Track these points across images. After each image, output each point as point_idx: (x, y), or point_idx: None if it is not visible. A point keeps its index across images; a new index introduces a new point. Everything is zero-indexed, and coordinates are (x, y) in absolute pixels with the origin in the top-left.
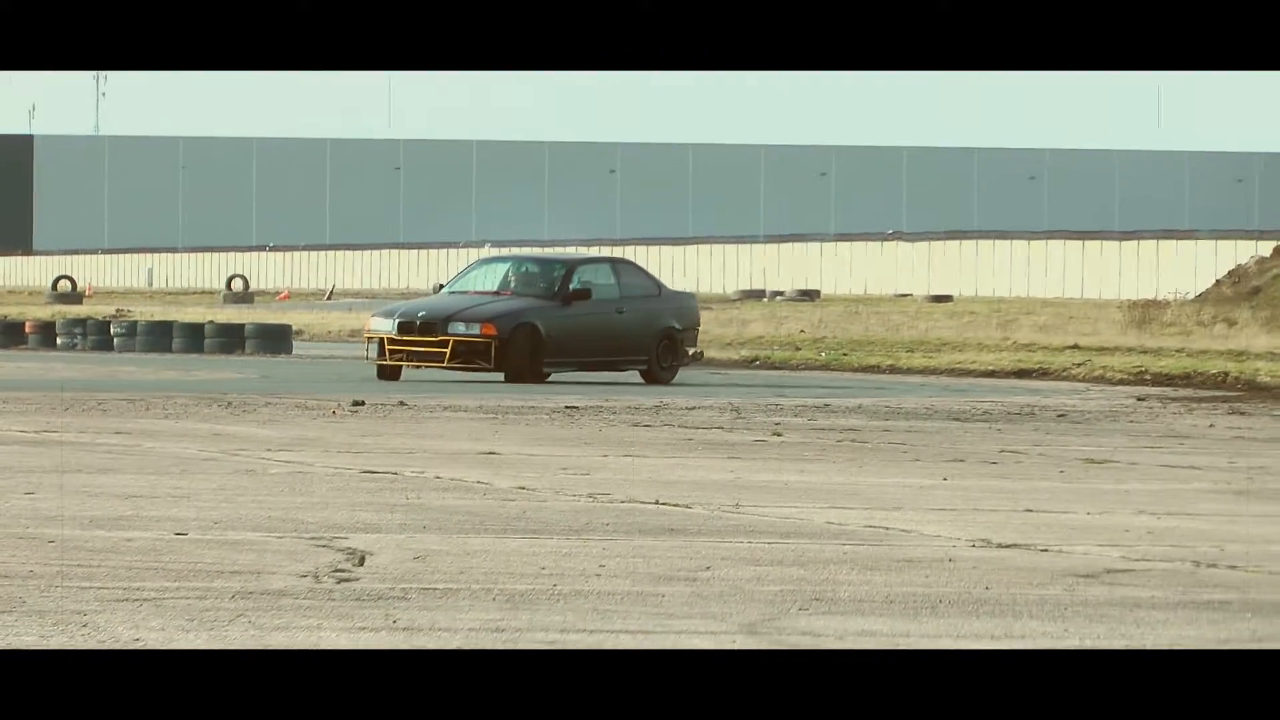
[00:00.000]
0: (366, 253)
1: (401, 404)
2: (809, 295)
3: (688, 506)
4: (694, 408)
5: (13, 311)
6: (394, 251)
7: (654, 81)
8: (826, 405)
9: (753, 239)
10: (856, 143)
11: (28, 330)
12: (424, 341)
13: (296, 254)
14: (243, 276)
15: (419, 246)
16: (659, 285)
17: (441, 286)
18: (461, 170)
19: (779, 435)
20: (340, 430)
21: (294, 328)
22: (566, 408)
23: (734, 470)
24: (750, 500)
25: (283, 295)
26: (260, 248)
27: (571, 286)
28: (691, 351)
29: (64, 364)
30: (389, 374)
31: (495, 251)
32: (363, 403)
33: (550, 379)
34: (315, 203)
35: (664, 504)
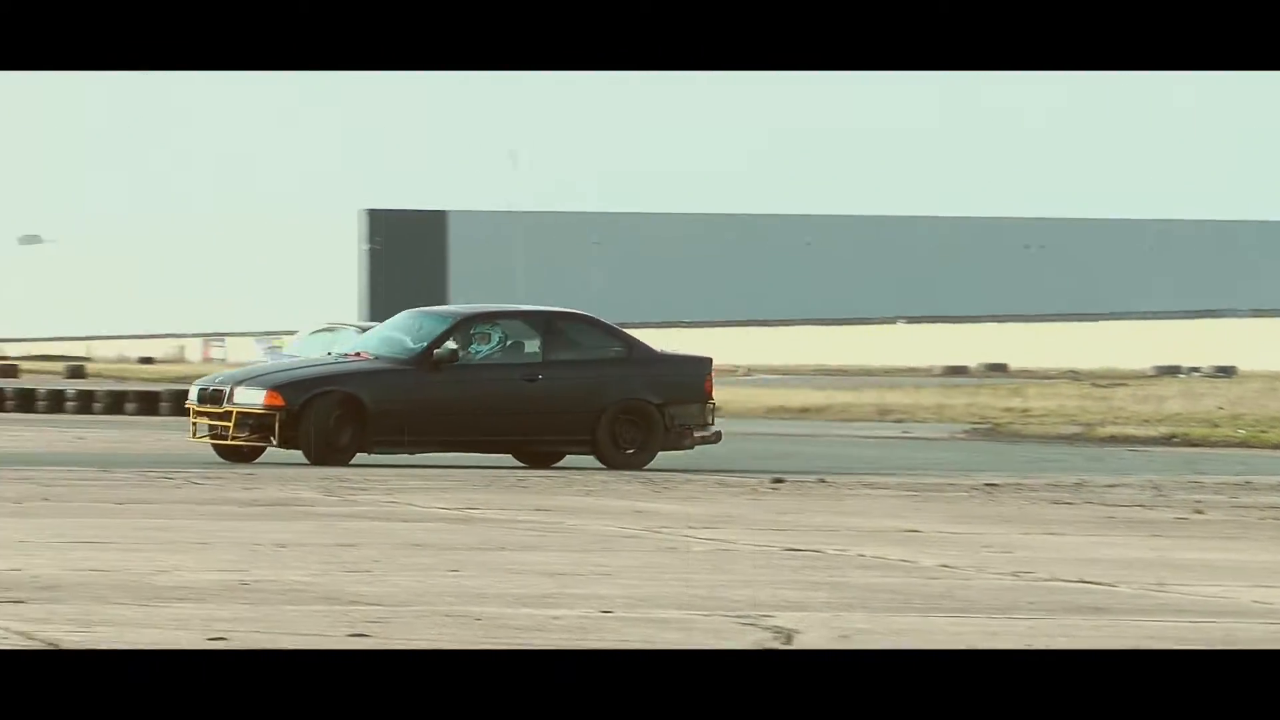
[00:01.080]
0: (782, 329)
1: (821, 481)
2: (1225, 371)
3: (1112, 585)
4: (1114, 485)
5: None
6: (809, 327)
7: (1072, 160)
8: (1248, 483)
9: (1168, 315)
10: (1270, 217)
11: None
12: (213, 413)
13: (713, 330)
14: None
15: (835, 323)
16: (630, 347)
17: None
18: (877, 243)
19: (1201, 513)
20: (760, 507)
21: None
22: (986, 485)
23: (1157, 548)
24: (1175, 578)
25: None
26: (676, 324)
27: (439, 351)
28: (698, 433)
29: None
30: (230, 454)
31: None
32: (783, 480)
33: (351, 462)
34: (727, 278)
35: (1088, 582)
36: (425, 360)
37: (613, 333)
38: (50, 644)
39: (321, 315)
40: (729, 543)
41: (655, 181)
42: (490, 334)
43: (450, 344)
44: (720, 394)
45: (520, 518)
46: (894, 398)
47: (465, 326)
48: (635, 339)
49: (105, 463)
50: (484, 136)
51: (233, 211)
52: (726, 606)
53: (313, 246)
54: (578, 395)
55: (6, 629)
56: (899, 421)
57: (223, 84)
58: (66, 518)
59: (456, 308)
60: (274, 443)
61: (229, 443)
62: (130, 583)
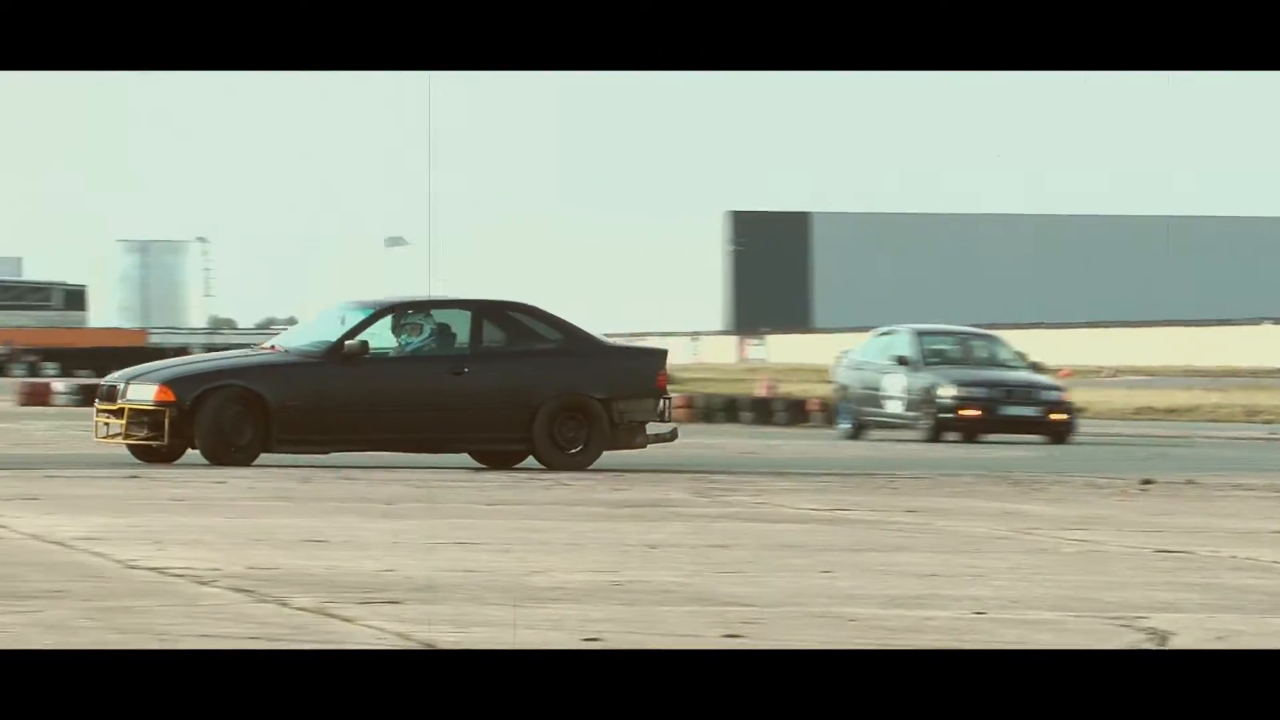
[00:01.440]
0: (1147, 330)
1: (1190, 482)
2: None
3: None
4: None
5: (796, 389)
6: (1174, 328)
7: None
8: None
9: None
10: None
11: (809, 408)
12: (110, 410)
13: (1077, 331)
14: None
15: (1200, 324)
16: (573, 337)
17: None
18: (1241, 244)
19: None
20: (1130, 509)
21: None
22: None
23: None
24: None
25: (1064, 372)
26: (1038, 325)
27: (350, 343)
28: (651, 430)
29: (846, 441)
30: (144, 454)
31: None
32: (1152, 481)
33: (254, 462)
34: (1090, 280)
35: None
36: (334, 353)
37: (555, 323)
38: (426, 644)
39: (688, 318)
40: (1100, 544)
41: (1019, 183)
42: (422, 325)
43: (363, 336)
44: (1086, 395)
45: (890, 519)
46: (1262, 399)
47: (390, 317)
48: (580, 329)
49: (470, 465)
50: (850, 137)
51: (598, 213)
52: (1099, 608)
53: (678, 248)
54: (510, 389)
55: (382, 629)
56: (1268, 423)
57: (582, 85)
58: (438, 519)
59: (384, 298)
60: (165, 441)
61: (128, 441)
62: (504, 583)
